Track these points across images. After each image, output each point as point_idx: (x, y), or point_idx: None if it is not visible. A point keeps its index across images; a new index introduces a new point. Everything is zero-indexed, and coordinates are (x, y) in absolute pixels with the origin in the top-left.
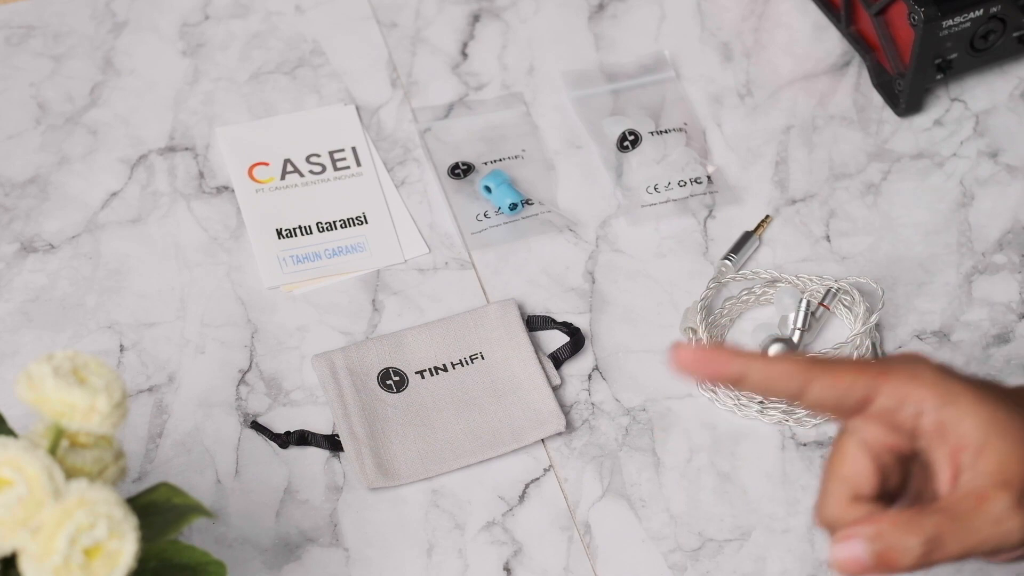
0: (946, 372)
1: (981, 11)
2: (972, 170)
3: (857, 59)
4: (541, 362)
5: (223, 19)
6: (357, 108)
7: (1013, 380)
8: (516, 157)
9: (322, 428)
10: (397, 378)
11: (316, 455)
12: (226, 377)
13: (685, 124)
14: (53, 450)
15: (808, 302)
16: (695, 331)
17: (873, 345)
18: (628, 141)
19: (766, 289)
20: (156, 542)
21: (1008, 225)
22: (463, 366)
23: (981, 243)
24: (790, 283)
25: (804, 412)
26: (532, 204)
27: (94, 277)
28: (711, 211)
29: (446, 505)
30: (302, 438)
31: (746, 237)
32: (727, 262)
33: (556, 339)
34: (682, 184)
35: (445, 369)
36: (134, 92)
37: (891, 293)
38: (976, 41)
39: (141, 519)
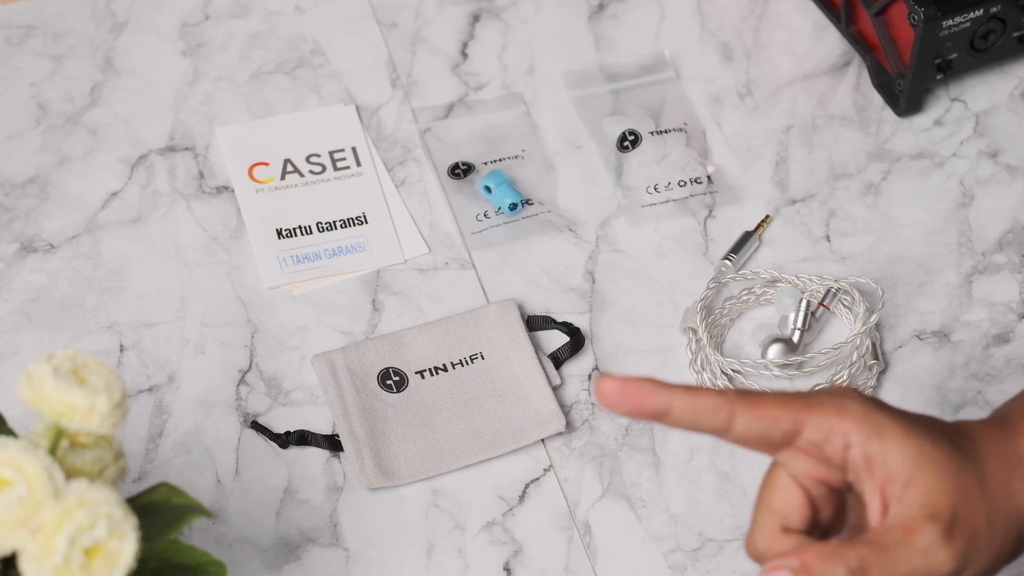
0: (873, 405)
1: (981, 11)
2: (972, 170)
3: (857, 59)
4: (541, 362)
5: (223, 19)
6: (357, 108)
7: (1013, 380)
8: (516, 157)
9: (322, 428)
10: (397, 378)
11: (316, 455)
12: (226, 377)
13: (685, 124)
14: (53, 450)
15: (808, 302)
16: (695, 331)
17: (873, 345)
18: (628, 141)
19: (766, 289)
20: (156, 542)
21: (1008, 225)
22: (463, 366)
23: (981, 243)
24: (790, 283)
25: None
26: (532, 204)
27: (94, 277)
28: (711, 211)
29: (446, 505)
30: (302, 438)
31: (746, 237)
32: (727, 262)
33: (556, 339)
34: (682, 184)
35: (445, 369)
36: (134, 92)
37: (891, 293)
38: (976, 41)
39: (141, 519)
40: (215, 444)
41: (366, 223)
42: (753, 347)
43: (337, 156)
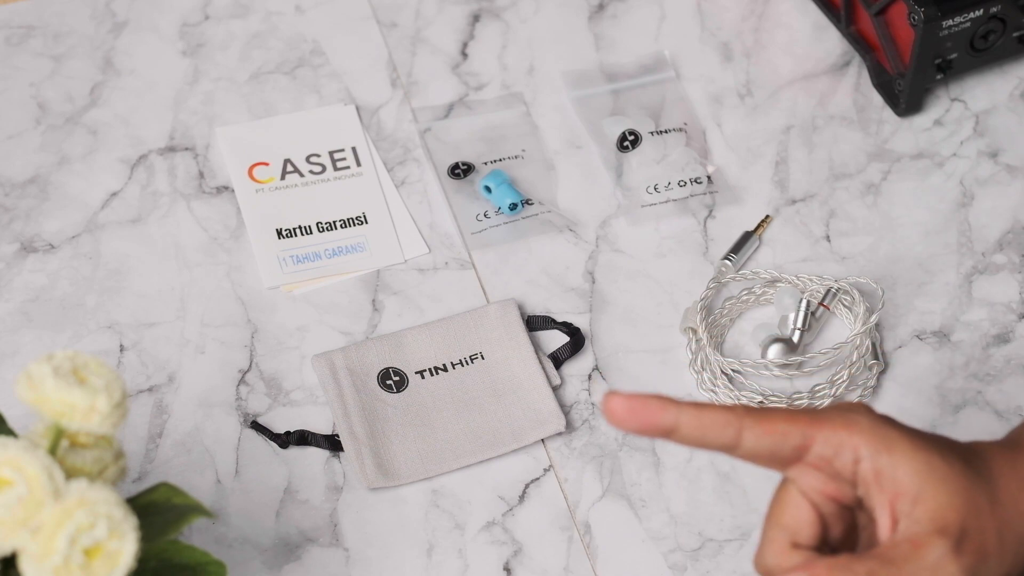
0: (882, 420)
1: (981, 11)
2: (972, 170)
3: (857, 59)
4: (541, 362)
5: (223, 19)
6: (357, 108)
7: (1013, 380)
8: (516, 157)
9: (322, 428)
10: (397, 378)
11: (316, 455)
12: (226, 377)
13: (685, 124)
14: (53, 450)
15: (808, 302)
16: (695, 331)
17: (873, 345)
18: (628, 141)
19: (766, 289)
20: (156, 542)
21: (1008, 225)
22: (463, 366)
23: (981, 243)
24: (790, 283)
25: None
26: (532, 204)
27: (94, 277)
28: (711, 211)
29: (446, 505)
30: (302, 438)
31: (746, 237)
32: (727, 262)
33: (556, 339)
34: (682, 184)
35: (445, 369)
36: (134, 92)
37: (891, 293)
38: (976, 41)
39: (141, 519)
40: (215, 444)
41: (366, 223)
42: (753, 347)
43: (337, 156)
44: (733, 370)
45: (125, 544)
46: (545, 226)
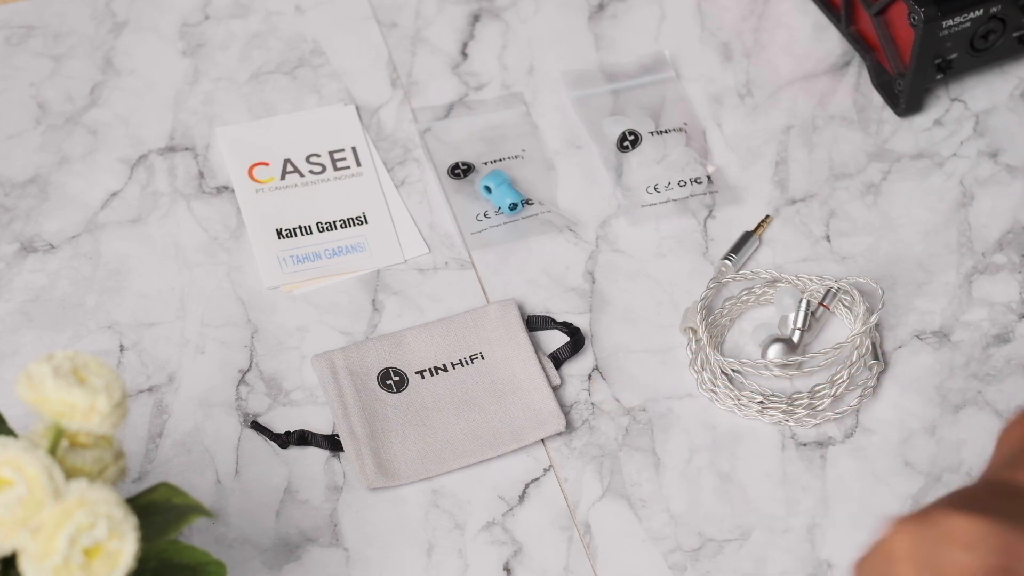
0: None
1: (981, 11)
2: (972, 170)
3: (857, 59)
4: (541, 362)
5: (223, 19)
6: (357, 108)
7: (1013, 380)
8: (516, 157)
9: (322, 428)
10: (397, 378)
11: (316, 455)
12: (226, 377)
13: (685, 124)
14: (53, 450)
15: (808, 302)
16: (695, 331)
17: (873, 345)
18: (628, 141)
19: (766, 289)
20: (156, 542)
21: (1008, 225)
22: (463, 366)
23: (981, 243)
24: (790, 283)
25: (804, 412)
26: (532, 204)
27: (94, 277)
28: (711, 211)
29: (446, 505)
30: (302, 438)
31: (746, 237)
32: (727, 262)
33: (556, 339)
34: (682, 184)
35: (445, 369)
36: (134, 92)
37: (891, 293)
38: (976, 41)
39: (141, 519)
40: (215, 444)
41: (366, 223)
42: (753, 347)
43: (337, 156)
44: (733, 370)
45: (125, 544)
46: (545, 226)
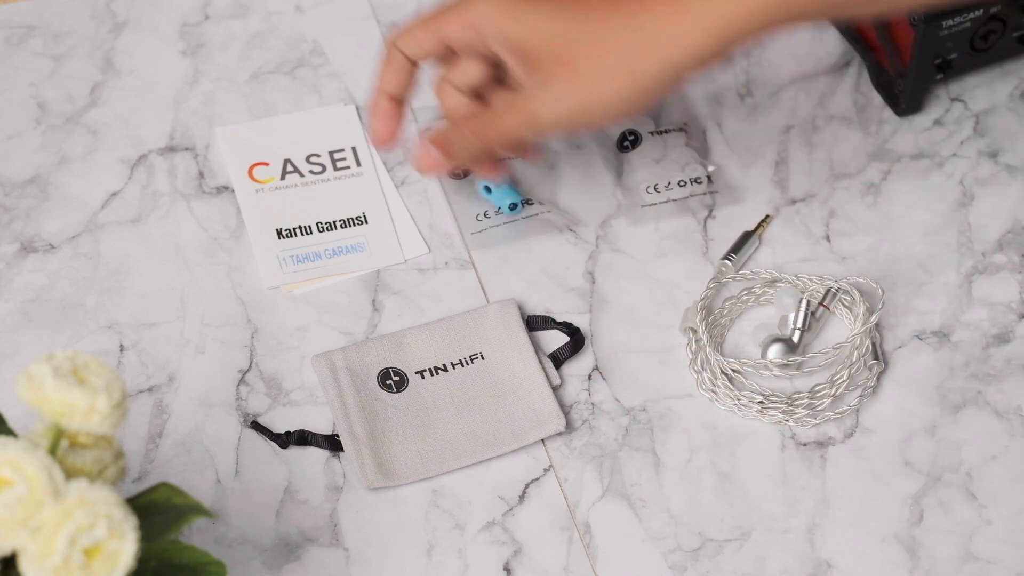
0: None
1: (981, 11)
2: (972, 170)
3: (857, 59)
4: (541, 362)
5: (223, 19)
6: (357, 108)
7: (1013, 380)
8: (516, 157)
9: (322, 428)
10: (397, 378)
11: (316, 455)
12: (226, 377)
13: (685, 124)
14: (53, 450)
15: (808, 302)
16: (695, 331)
17: (873, 345)
18: (628, 141)
19: (766, 289)
20: (156, 542)
21: (1008, 225)
22: (463, 366)
23: (981, 243)
24: (790, 283)
25: (804, 412)
26: (532, 204)
27: (94, 277)
28: (711, 211)
29: (446, 505)
30: (302, 438)
31: (746, 237)
32: (727, 262)
33: (556, 339)
34: (682, 184)
35: (445, 369)
36: (134, 92)
37: (891, 293)
38: (976, 41)
39: (141, 519)
40: (215, 444)
41: (366, 223)
42: (753, 347)
43: (337, 156)
44: (733, 370)
45: (125, 544)
46: (545, 226)
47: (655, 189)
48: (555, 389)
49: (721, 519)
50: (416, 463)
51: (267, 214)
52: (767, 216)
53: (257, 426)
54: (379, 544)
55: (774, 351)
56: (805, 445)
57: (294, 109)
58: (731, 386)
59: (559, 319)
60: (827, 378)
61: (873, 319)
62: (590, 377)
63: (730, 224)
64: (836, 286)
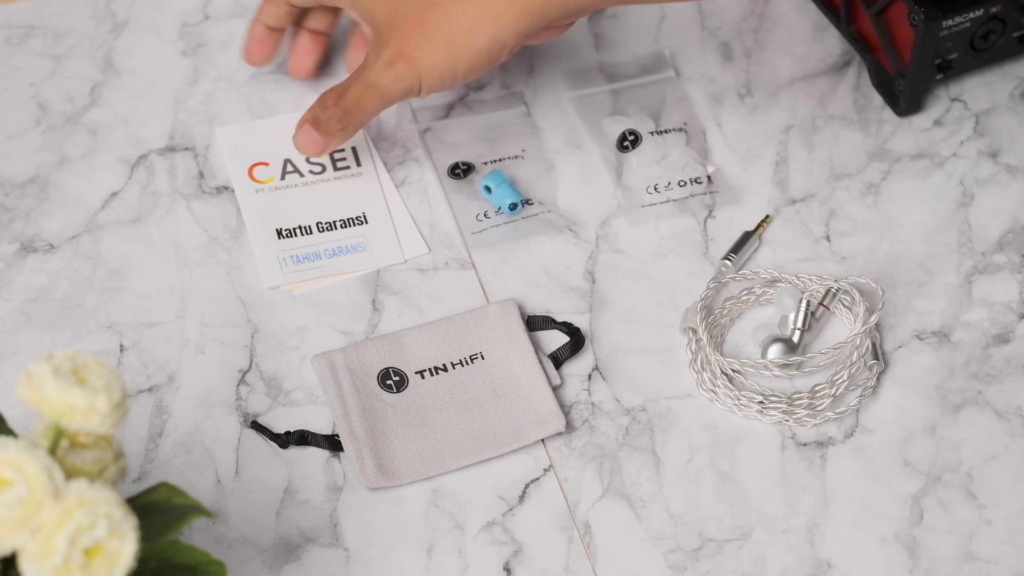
0: None
1: (981, 11)
2: (972, 170)
3: (857, 59)
4: (541, 362)
5: (223, 19)
6: None
7: (1013, 380)
8: (516, 157)
9: (322, 428)
10: (397, 378)
11: (316, 455)
12: (226, 377)
13: (685, 124)
14: (53, 450)
15: (808, 302)
16: (695, 331)
17: (873, 345)
18: (628, 141)
19: (766, 289)
20: (156, 542)
21: (1008, 225)
22: (463, 366)
23: (981, 243)
24: (790, 283)
25: (804, 412)
26: (532, 204)
27: (94, 277)
28: (711, 211)
29: (446, 505)
30: (302, 438)
31: (746, 237)
32: (727, 262)
33: (556, 339)
34: (682, 184)
35: (445, 369)
36: (134, 92)
37: (891, 293)
38: (976, 41)
39: (141, 519)
40: (215, 444)
41: (366, 223)
42: (753, 347)
43: (337, 156)
44: (733, 370)
45: (125, 544)
46: (545, 226)
47: (655, 189)
48: (555, 389)
49: (721, 519)
50: (416, 463)
51: (267, 214)
52: (767, 216)
53: (257, 426)
54: (379, 544)
55: (774, 351)
56: (805, 445)
57: (294, 109)
58: (731, 386)
59: (559, 319)
60: (827, 378)
61: (873, 319)
62: (590, 377)
63: (730, 224)
64: (836, 286)
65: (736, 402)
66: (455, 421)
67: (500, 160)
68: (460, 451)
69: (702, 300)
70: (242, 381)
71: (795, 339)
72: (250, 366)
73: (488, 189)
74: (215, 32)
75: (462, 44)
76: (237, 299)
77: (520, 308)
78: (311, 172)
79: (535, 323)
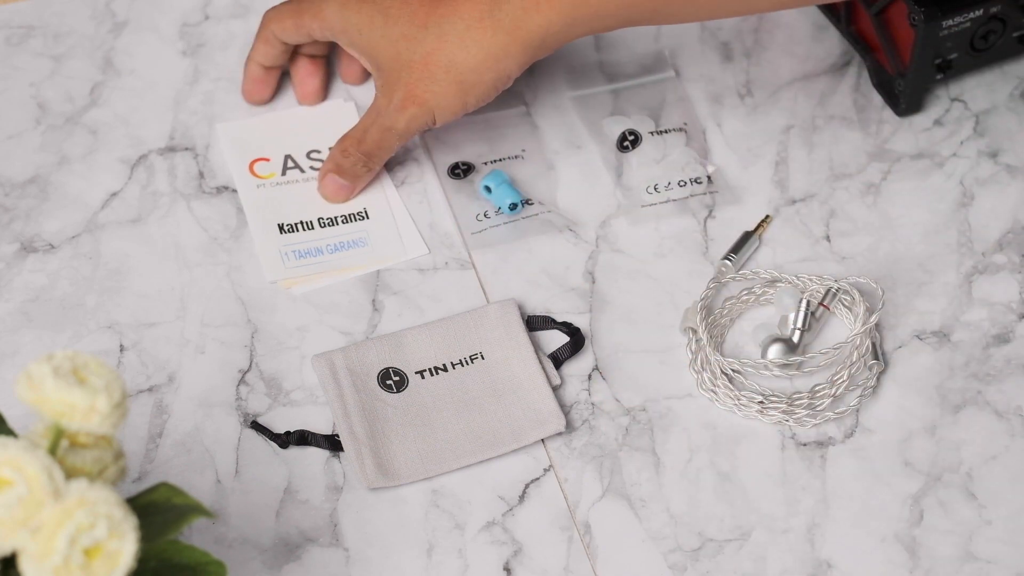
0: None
1: (981, 11)
2: (972, 170)
3: (857, 59)
4: (541, 362)
5: (223, 19)
6: (356, 105)
7: (1013, 380)
8: (516, 157)
9: (322, 428)
10: (397, 378)
11: (316, 455)
12: (226, 377)
13: (685, 124)
14: (53, 450)
15: (808, 302)
16: (695, 331)
17: (873, 345)
18: (628, 141)
19: (766, 289)
20: (156, 542)
21: (1008, 225)
22: (463, 366)
23: (981, 243)
24: (790, 283)
25: (804, 412)
26: (532, 204)
27: (94, 277)
28: (711, 211)
29: (446, 505)
30: (302, 438)
31: (746, 237)
32: (727, 262)
33: (556, 339)
34: (682, 184)
35: (445, 369)
36: (134, 92)
37: (891, 293)
38: (976, 41)
39: (141, 519)
40: (215, 444)
41: (367, 218)
42: (753, 347)
43: None
44: (733, 370)
45: (125, 544)
46: (545, 226)
47: (655, 189)
48: (555, 389)
49: (721, 519)
50: (416, 463)
51: (268, 209)
52: (767, 216)
53: (257, 426)
54: (379, 544)
55: (774, 351)
56: (805, 445)
57: (293, 105)
58: (731, 386)
59: (559, 319)
60: (827, 378)
61: (873, 319)
62: (590, 377)
63: (730, 224)
64: (836, 286)
65: (736, 402)
66: (455, 421)
67: (500, 160)
68: (460, 451)
69: (702, 300)
70: (242, 381)
71: (795, 339)
72: (250, 366)
73: (488, 189)
74: (215, 32)
75: (470, 82)
76: (237, 299)
77: (520, 308)
78: (312, 168)
79: (535, 323)
